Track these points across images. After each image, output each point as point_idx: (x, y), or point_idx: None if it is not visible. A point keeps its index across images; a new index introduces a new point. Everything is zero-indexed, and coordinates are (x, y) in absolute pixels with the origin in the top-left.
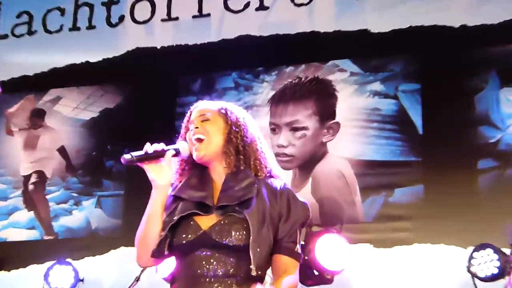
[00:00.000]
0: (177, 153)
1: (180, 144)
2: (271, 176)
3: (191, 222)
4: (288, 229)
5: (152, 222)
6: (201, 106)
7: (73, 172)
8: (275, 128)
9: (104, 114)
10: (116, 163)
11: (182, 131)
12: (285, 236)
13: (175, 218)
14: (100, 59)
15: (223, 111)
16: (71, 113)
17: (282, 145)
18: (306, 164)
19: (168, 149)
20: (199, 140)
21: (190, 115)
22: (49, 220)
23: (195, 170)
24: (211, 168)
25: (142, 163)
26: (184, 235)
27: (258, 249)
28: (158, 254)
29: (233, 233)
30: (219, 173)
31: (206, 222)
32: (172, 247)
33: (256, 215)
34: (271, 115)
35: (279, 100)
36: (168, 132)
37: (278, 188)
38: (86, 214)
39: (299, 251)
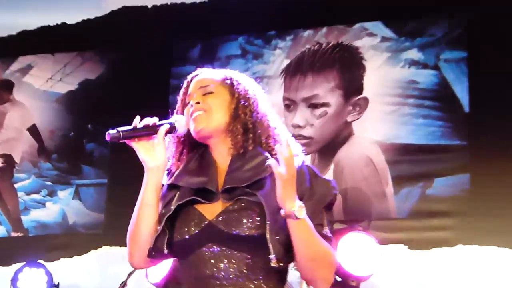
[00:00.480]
0: (172, 128)
1: (176, 118)
2: None
3: (193, 212)
4: (312, 210)
5: (146, 213)
6: (202, 76)
7: (47, 156)
8: (290, 105)
9: (84, 86)
10: (99, 145)
11: (178, 105)
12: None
13: (172, 208)
14: (80, 20)
15: (228, 81)
16: (44, 85)
17: (298, 125)
18: (327, 148)
19: (162, 124)
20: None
21: (188, 86)
22: (17, 213)
23: (195, 153)
24: (213, 147)
25: (131, 140)
26: (185, 228)
27: (277, 237)
28: (155, 254)
29: (244, 221)
30: (222, 155)
31: (210, 210)
32: (171, 245)
33: (272, 198)
34: (285, 88)
35: (295, 70)
36: (161, 108)
37: (297, 167)
38: (62, 206)
39: (329, 234)
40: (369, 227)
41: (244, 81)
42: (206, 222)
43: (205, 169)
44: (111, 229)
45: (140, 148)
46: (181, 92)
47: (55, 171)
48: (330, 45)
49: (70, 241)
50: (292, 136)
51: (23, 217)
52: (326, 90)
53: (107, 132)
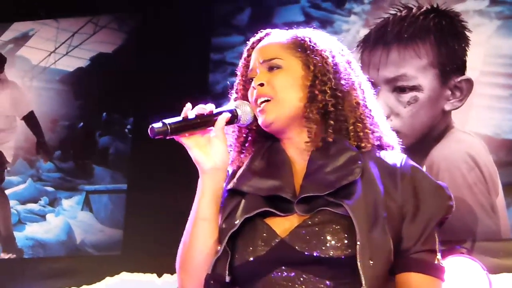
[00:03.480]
0: (233, 118)
1: (238, 104)
2: (381, 147)
3: (262, 227)
4: (420, 232)
5: (201, 230)
6: (265, 41)
7: (48, 153)
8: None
9: (97, 62)
10: (116, 140)
11: (238, 82)
12: (416, 243)
13: (237, 222)
14: None
15: (300, 47)
16: (45, 61)
17: None
18: (418, 145)
19: (220, 112)
20: (267, 101)
21: (250, 55)
22: (9, 228)
23: (261, 147)
24: (287, 142)
25: (180, 135)
26: (251, 248)
27: (371, 262)
28: (216, 283)
29: (328, 238)
30: (299, 150)
31: (284, 225)
32: (232, 270)
33: (364, 209)
34: (362, 66)
35: (375, 42)
36: (199, 90)
37: (398, 166)
38: (67, 219)
39: (442, 263)
40: (473, 249)
41: (323, 42)
42: (277, 240)
43: (277, 169)
44: (132, 249)
45: (193, 145)
46: (240, 64)
47: (59, 173)
48: (422, 9)
49: (78, 265)
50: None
51: (16, 234)
52: (417, 68)
53: (150, 126)
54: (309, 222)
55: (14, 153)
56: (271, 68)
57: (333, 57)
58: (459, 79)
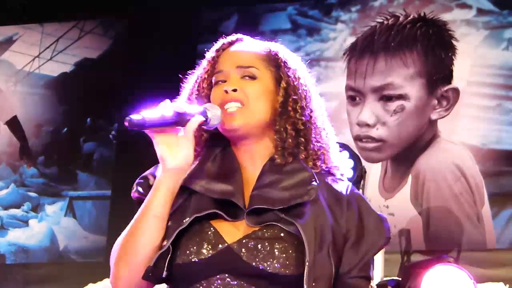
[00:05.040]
0: (205, 120)
1: (209, 107)
2: (329, 172)
3: (208, 229)
4: (359, 259)
5: (150, 226)
6: (241, 47)
7: (31, 158)
8: (355, 96)
9: (81, 67)
10: (100, 145)
11: (199, 80)
12: (353, 269)
13: (187, 220)
14: None
15: (275, 62)
16: (29, 65)
17: (366, 123)
18: (404, 155)
19: (193, 113)
20: (237, 106)
21: (219, 56)
22: None
23: (213, 149)
24: (242, 149)
25: (154, 130)
26: (195, 248)
27: (314, 284)
28: (154, 276)
29: (277, 254)
30: (253, 159)
31: (231, 231)
32: (172, 267)
33: (313, 231)
34: (349, 75)
35: (362, 51)
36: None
37: (345, 193)
38: (50, 225)
39: None
40: (458, 259)
41: (294, 62)
42: (224, 246)
43: (228, 175)
44: None
45: (162, 141)
46: (205, 62)
47: (42, 179)
48: (409, 18)
49: (61, 272)
50: (356, 137)
51: None
52: (403, 77)
53: (128, 117)
54: (259, 235)
55: None
56: (245, 76)
57: (303, 77)
58: (445, 88)
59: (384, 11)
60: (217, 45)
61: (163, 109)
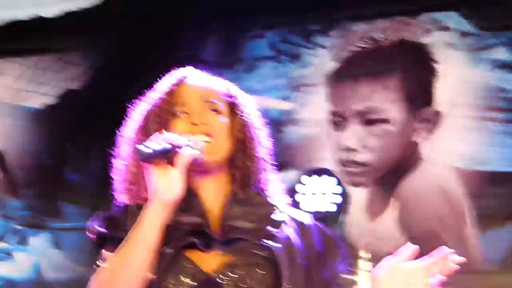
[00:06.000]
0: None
1: (194, 141)
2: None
3: (183, 259)
4: (329, 280)
5: (143, 258)
6: (202, 83)
7: (15, 191)
8: (337, 121)
9: (65, 99)
10: (84, 176)
11: (159, 112)
12: (332, 277)
13: (168, 251)
14: (58, 11)
15: (231, 99)
16: (12, 97)
17: (349, 147)
18: (388, 178)
19: (187, 145)
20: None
21: (177, 90)
22: None
23: None
24: (202, 182)
25: (154, 162)
26: (173, 282)
27: None
28: None
29: (254, 281)
30: (212, 193)
31: (207, 261)
32: None
33: (287, 256)
34: (331, 99)
35: (344, 76)
36: None
37: (307, 223)
38: (35, 258)
39: None
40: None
41: (244, 99)
42: (202, 275)
43: (190, 206)
44: None
45: (158, 173)
46: (158, 91)
47: (27, 211)
48: (389, 42)
49: None
50: (341, 162)
51: None
52: (385, 101)
53: (138, 149)
54: (237, 262)
55: None
56: (209, 109)
57: (255, 113)
58: (428, 110)
59: (364, 35)
60: (174, 76)
61: (160, 141)
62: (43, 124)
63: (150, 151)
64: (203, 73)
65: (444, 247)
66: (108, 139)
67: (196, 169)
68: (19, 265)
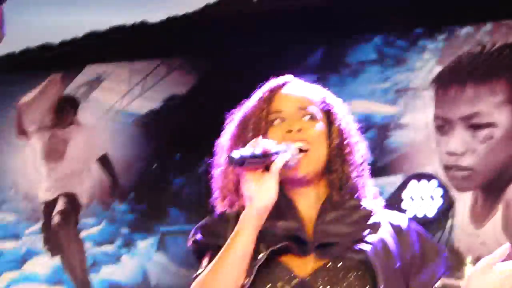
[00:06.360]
0: (287, 161)
1: (289, 149)
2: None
3: (276, 265)
4: (427, 283)
5: (237, 265)
6: (298, 91)
7: (122, 195)
8: (443, 125)
9: (170, 104)
10: (190, 181)
11: (256, 120)
12: (430, 282)
13: (262, 255)
14: (164, 17)
15: (327, 107)
16: (118, 103)
17: (455, 152)
18: (494, 183)
19: (277, 152)
20: (301, 151)
21: (273, 96)
22: (84, 270)
23: None
24: (299, 191)
25: (247, 168)
26: (269, 285)
27: None
28: None
29: (351, 283)
30: (308, 201)
31: (301, 266)
32: None
33: (382, 259)
34: (437, 104)
35: (450, 80)
36: None
37: (404, 226)
38: (142, 261)
39: None
40: None
41: (340, 106)
42: (298, 281)
43: (286, 213)
44: None
45: (252, 179)
46: (257, 101)
47: (133, 215)
48: (496, 46)
49: None
50: (446, 167)
51: (91, 276)
52: (492, 105)
53: (229, 156)
54: (330, 267)
55: (89, 195)
56: (305, 116)
57: (350, 120)
58: None
59: (470, 39)
60: (270, 84)
61: (254, 147)
62: (148, 129)
63: (238, 156)
64: (300, 81)
65: None
66: (213, 144)
67: (293, 183)
68: (126, 268)
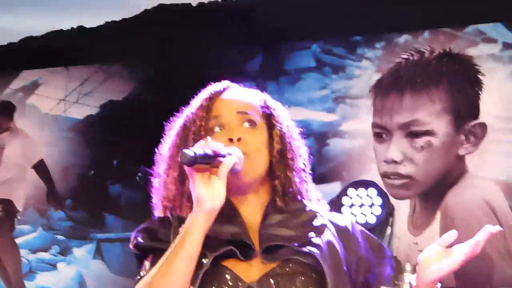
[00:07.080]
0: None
1: (235, 152)
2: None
3: (223, 271)
4: (375, 283)
5: (185, 269)
6: (237, 96)
7: (59, 202)
8: (382, 133)
9: (107, 109)
10: (127, 188)
11: (196, 127)
12: (377, 283)
13: (206, 261)
14: (102, 22)
15: (267, 110)
16: (55, 109)
17: (393, 160)
18: (432, 191)
19: (231, 155)
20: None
21: (213, 103)
22: (19, 278)
23: None
24: (242, 198)
25: (197, 168)
26: None
27: None
28: None
29: (299, 287)
30: (251, 206)
31: (247, 271)
32: None
33: (330, 261)
34: (375, 112)
35: (388, 88)
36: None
37: (350, 228)
38: (78, 268)
39: None
40: None
41: (280, 109)
42: (244, 286)
43: (230, 219)
44: None
45: (201, 180)
46: (194, 106)
47: (70, 222)
48: (434, 54)
49: None
50: (384, 174)
51: (27, 283)
52: (430, 113)
53: (182, 152)
54: (278, 271)
55: (25, 202)
56: (245, 122)
57: (290, 123)
58: (472, 123)
59: (409, 47)
60: (208, 91)
61: (204, 148)
62: (85, 135)
63: (192, 155)
64: (238, 86)
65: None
66: (150, 151)
67: (236, 190)
68: (62, 275)
